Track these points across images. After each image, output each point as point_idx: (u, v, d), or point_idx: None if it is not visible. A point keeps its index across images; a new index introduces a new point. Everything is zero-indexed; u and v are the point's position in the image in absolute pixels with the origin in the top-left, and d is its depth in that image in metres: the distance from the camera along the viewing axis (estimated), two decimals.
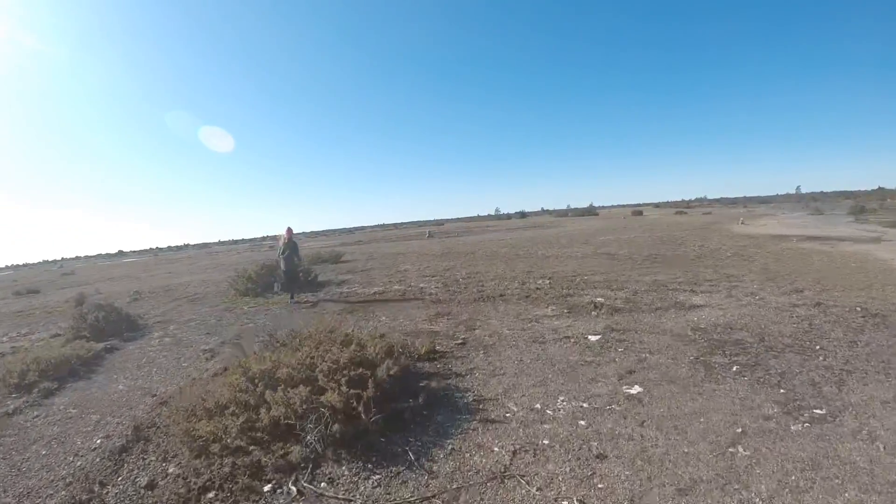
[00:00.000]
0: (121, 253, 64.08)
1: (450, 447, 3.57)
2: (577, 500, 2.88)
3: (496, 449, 3.51)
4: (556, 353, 5.48)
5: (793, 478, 2.97)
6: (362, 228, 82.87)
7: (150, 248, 69.58)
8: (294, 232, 11.01)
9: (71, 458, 4.06)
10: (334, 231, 78.16)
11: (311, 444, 3.44)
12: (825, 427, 3.55)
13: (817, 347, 5.29)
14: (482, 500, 2.96)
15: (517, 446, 3.51)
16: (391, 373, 4.16)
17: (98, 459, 3.95)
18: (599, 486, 3.01)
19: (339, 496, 3.05)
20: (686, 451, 3.34)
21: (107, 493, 3.45)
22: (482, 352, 5.69)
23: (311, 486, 3.15)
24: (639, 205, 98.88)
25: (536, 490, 2.99)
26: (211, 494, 3.19)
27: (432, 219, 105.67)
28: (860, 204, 35.75)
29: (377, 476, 3.26)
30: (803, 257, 11.95)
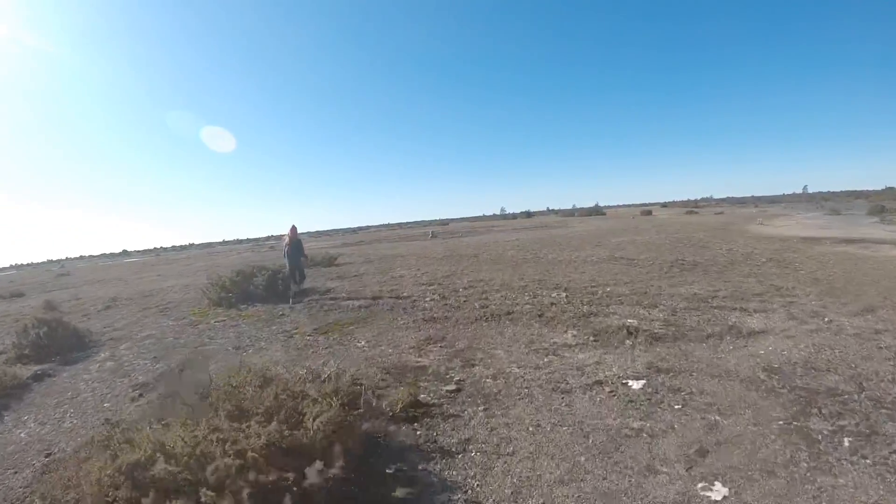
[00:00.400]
0: (125, 252, 63.03)
1: None
2: None
3: None
4: (586, 413, 3.83)
5: None
6: (367, 228, 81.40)
7: (154, 248, 68.58)
8: (298, 230, 10.47)
9: None
10: (338, 231, 76.82)
11: None
12: None
13: None
14: None
15: None
16: (334, 472, 2.55)
17: None
18: None
19: None
20: None
21: None
22: (482, 407, 4.04)
23: None
24: (644, 204, 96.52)
25: None
26: None
27: (437, 218, 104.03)
28: (879, 204, 33.76)
29: None
30: (850, 264, 10.23)
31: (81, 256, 63.32)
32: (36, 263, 54.72)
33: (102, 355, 7.74)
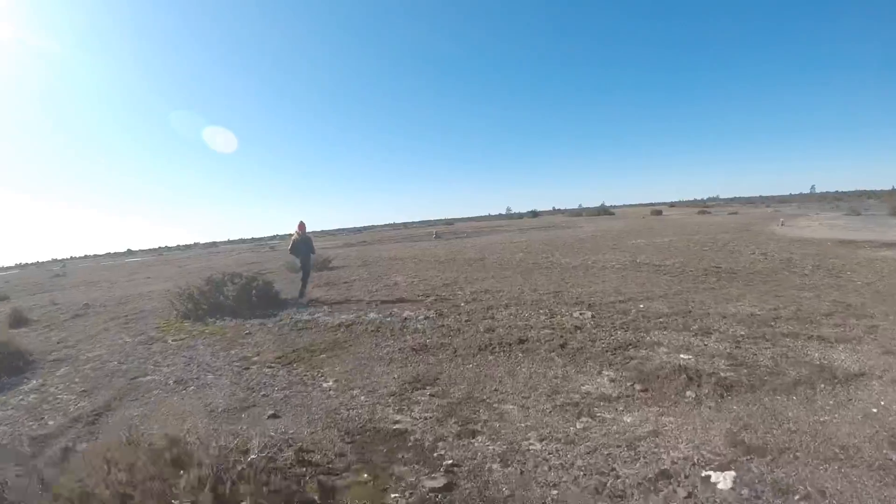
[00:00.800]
0: (129, 252, 62.18)
1: None
2: None
3: None
4: None
5: None
6: (372, 228, 79.92)
7: (158, 248, 67.53)
8: (307, 227, 9.96)
9: None
10: (343, 230, 75.48)
11: None
12: None
13: None
14: None
15: None
16: None
17: None
18: None
19: None
20: None
21: None
22: None
23: None
24: (650, 204, 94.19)
25: None
26: None
27: (442, 218, 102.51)
28: None
29: None
30: None
31: (86, 256, 62.46)
32: (41, 263, 53.86)
33: (33, 383, 6.34)
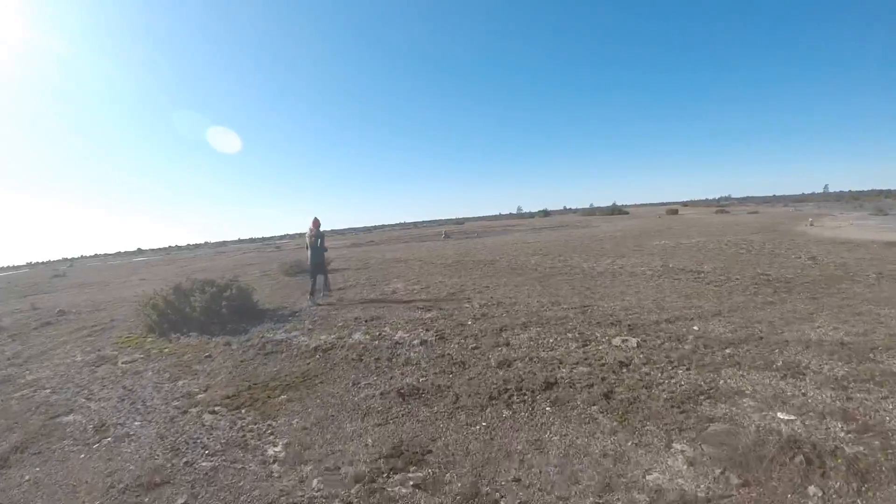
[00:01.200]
0: (139, 251, 61.68)
1: None
2: None
3: None
4: None
5: None
6: (382, 227, 78.56)
7: (168, 247, 66.94)
8: (321, 223, 9.38)
9: None
10: (353, 230, 74.34)
11: None
12: None
13: None
14: None
15: None
16: None
17: None
18: None
19: None
20: None
21: None
22: None
23: None
24: (662, 204, 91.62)
25: None
26: None
27: (453, 217, 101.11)
28: None
29: None
30: None
31: (96, 255, 62.12)
32: (51, 262, 53.47)
33: None
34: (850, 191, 79.54)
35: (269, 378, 4.94)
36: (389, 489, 2.69)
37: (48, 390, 5.64)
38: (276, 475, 3.02)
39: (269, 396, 4.45)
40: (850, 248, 11.94)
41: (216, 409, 4.43)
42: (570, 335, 5.27)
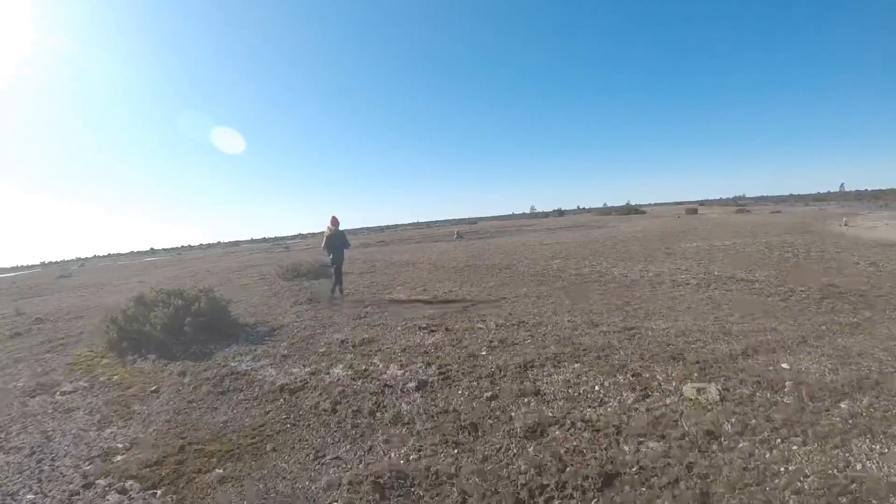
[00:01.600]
0: (152, 251, 61.43)
1: None
2: None
3: None
4: None
5: None
6: (395, 227, 77.34)
7: (181, 246, 66.61)
8: (339, 222, 9.02)
9: None
10: (366, 229, 73.32)
11: None
12: None
13: None
14: None
15: None
16: None
17: None
18: None
19: None
20: None
21: None
22: None
23: None
24: (677, 203, 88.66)
25: None
26: None
27: (466, 217, 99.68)
28: None
29: None
30: None
31: (109, 255, 62.06)
32: (65, 261, 53.41)
33: None
34: (866, 189, 76.07)
35: (213, 434, 3.60)
36: None
37: None
38: None
39: (200, 469, 3.11)
40: None
41: (128, 483, 3.13)
42: (620, 377, 3.82)
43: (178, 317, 6.48)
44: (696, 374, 3.93)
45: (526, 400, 3.50)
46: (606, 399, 3.44)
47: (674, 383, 3.76)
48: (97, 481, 3.25)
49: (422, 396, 3.71)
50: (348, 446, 3.09)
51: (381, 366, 4.44)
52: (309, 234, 70.60)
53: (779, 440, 2.86)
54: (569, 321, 5.65)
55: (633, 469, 2.54)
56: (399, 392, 3.81)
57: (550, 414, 3.24)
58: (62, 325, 9.76)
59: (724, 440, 2.85)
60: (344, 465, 2.85)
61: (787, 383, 3.65)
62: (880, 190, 72.58)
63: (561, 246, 16.42)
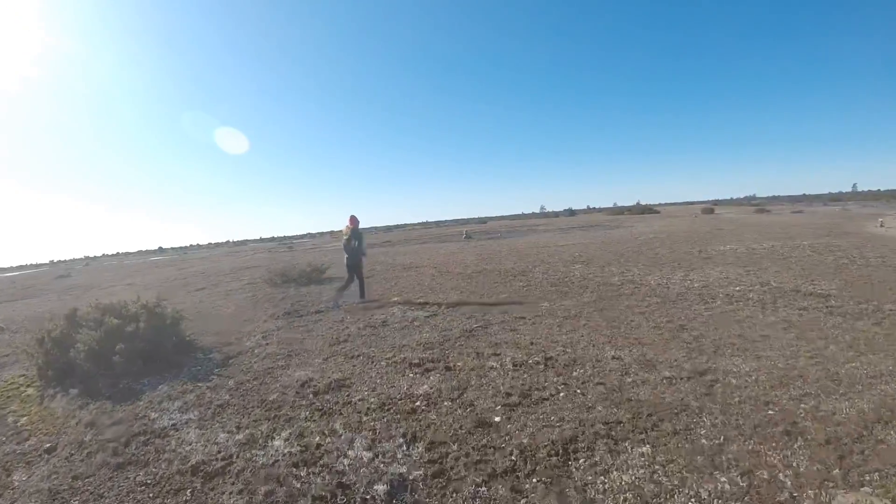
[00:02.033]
0: (160, 249, 60.72)
1: None
2: None
3: None
4: None
5: None
6: (404, 226, 75.83)
7: (188, 246, 65.83)
8: (358, 222, 8.23)
9: None
10: (374, 229, 72.00)
11: None
12: None
13: None
14: None
15: None
16: None
17: None
18: None
19: None
20: None
21: None
22: None
23: None
24: (689, 203, 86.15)
25: None
26: None
27: (476, 217, 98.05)
28: None
29: None
30: None
31: (117, 253, 61.51)
32: (74, 260, 52.91)
33: None
34: (878, 189, 73.18)
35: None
36: None
37: None
38: None
39: None
40: None
41: None
42: (722, 479, 2.29)
43: (108, 341, 5.06)
44: (836, 472, 2.38)
45: None
46: None
47: (811, 492, 2.22)
48: None
49: None
50: None
51: (342, 438, 2.93)
52: (318, 233, 69.49)
53: None
54: (613, 357, 4.09)
55: None
56: (359, 501, 2.31)
57: None
58: (19, 336, 8.46)
59: None
60: None
61: None
62: (881, 190, 69.82)
63: (579, 248, 14.80)
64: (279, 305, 8.22)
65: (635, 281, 7.99)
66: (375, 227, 78.07)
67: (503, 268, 10.96)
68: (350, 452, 2.73)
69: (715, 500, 2.18)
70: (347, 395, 3.67)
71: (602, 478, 2.37)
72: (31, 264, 50.86)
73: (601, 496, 2.24)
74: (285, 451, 2.84)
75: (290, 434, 3.05)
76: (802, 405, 3.15)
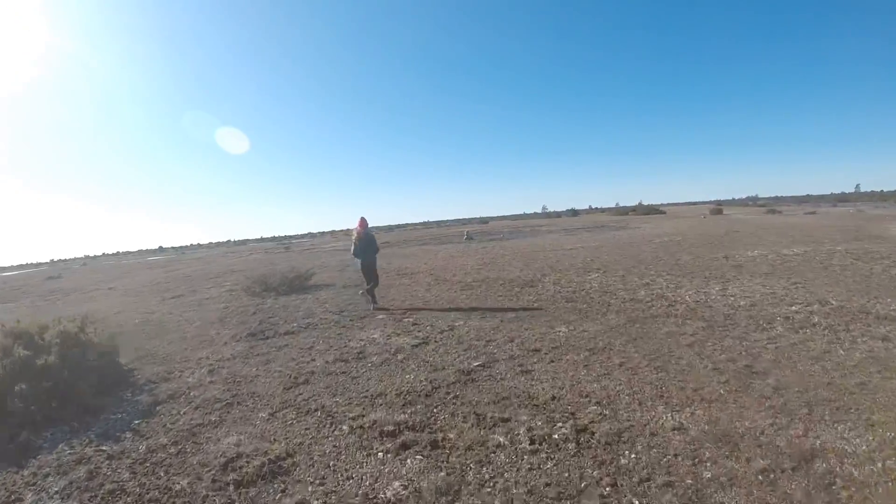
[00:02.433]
0: (160, 249, 59.60)
1: None
2: None
3: None
4: None
5: None
6: (404, 226, 74.41)
7: (188, 245, 64.74)
8: (368, 223, 7.92)
9: None
10: (372, 229, 70.62)
11: None
12: None
13: None
14: None
15: None
16: None
17: None
18: None
19: None
20: None
21: None
22: None
23: None
24: (691, 203, 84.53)
25: None
26: None
27: (477, 216, 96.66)
28: None
29: None
30: None
31: (117, 252, 60.43)
32: (74, 259, 51.95)
33: None
34: (881, 190, 71.77)
35: None
36: None
37: None
38: None
39: None
40: None
41: None
42: None
43: (10, 379, 3.86)
44: None
45: None
46: None
47: None
48: None
49: None
50: None
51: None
52: (318, 233, 68.33)
53: None
54: (674, 427, 2.84)
55: None
56: None
57: None
58: None
59: None
60: None
61: None
62: (884, 191, 68.28)
63: (590, 252, 13.51)
64: (247, 322, 7.00)
65: (666, 296, 6.73)
66: (376, 228, 76.80)
67: (508, 276, 9.70)
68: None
69: None
70: (282, 491, 2.44)
71: None
72: (32, 263, 49.90)
73: None
74: None
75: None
76: None
